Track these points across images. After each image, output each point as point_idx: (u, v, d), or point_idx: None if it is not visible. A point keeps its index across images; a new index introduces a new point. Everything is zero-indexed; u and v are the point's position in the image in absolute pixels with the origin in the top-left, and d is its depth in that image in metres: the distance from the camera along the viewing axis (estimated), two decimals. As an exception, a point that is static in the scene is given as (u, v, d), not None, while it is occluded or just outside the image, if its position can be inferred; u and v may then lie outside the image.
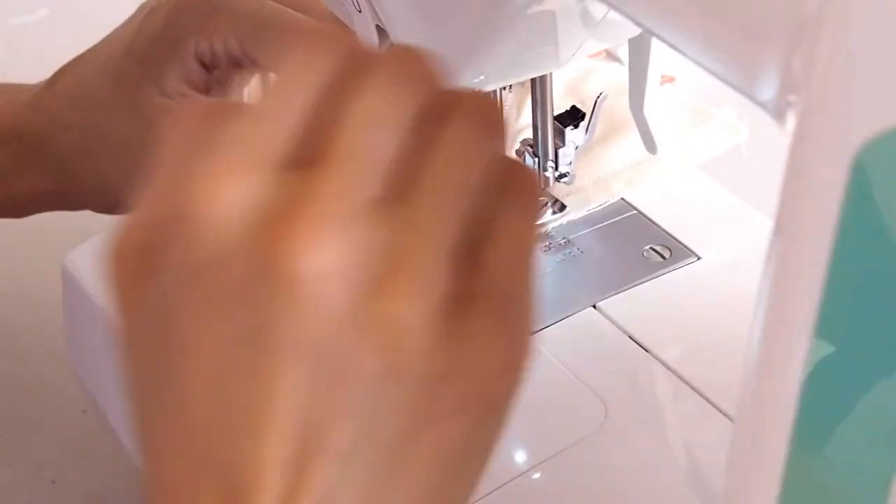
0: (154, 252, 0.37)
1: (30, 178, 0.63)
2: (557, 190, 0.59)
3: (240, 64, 0.62)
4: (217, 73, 0.62)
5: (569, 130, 0.57)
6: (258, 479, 0.35)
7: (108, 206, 0.63)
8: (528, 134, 0.58)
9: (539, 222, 0.39)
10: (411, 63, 0.36)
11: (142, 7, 0.64)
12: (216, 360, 0.36)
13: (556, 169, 0.58)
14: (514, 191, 0.37)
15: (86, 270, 0.59)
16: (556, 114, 0.57)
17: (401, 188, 0.35)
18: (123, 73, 0.61)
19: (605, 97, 0.56)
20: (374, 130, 0.35)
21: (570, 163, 0.58)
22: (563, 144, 0.57)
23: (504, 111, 0.45)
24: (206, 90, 0.63)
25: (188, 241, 0.35)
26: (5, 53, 0.86)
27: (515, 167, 0.37)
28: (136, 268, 0.38)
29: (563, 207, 0.59)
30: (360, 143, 0.34)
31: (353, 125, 0.34)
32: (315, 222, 0.33)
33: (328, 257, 0.33)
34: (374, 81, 0.35)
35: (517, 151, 0.59)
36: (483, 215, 0.36)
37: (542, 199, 0.41)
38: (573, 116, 0.57)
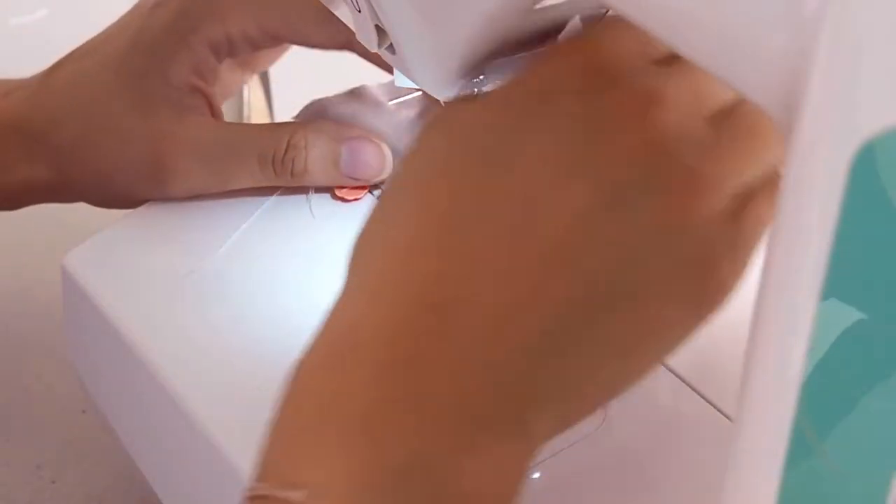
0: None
1: (26, 169, 0.62)
2: None
3: (258, 46, 0.62)
4: (228, 61, 0.63)
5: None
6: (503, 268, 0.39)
7: (105, 199, 0.63)
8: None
9: None
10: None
11: (139, 4, 0.63)
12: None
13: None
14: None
15: (86, 270, 0.59)
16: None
17: None
18: (128, 66, 0.61)
19: None
20: None
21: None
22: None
23: None
24: (215, 79, 0.62)
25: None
26: (5, 53, 0.86)
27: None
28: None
29: None
30: None
31: None
32: (671, 101, 0.40)
33: (664, 123, 0.40)
34: None
35: None
36: None
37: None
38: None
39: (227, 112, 0.79)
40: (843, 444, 0.35)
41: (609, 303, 0.40)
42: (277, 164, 0.60)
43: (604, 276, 0.40)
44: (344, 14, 0.52)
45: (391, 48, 0.52)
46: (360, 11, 0.51)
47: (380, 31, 0.51)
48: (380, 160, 0.61)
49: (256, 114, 0.79)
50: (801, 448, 0.34)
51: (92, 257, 0.60)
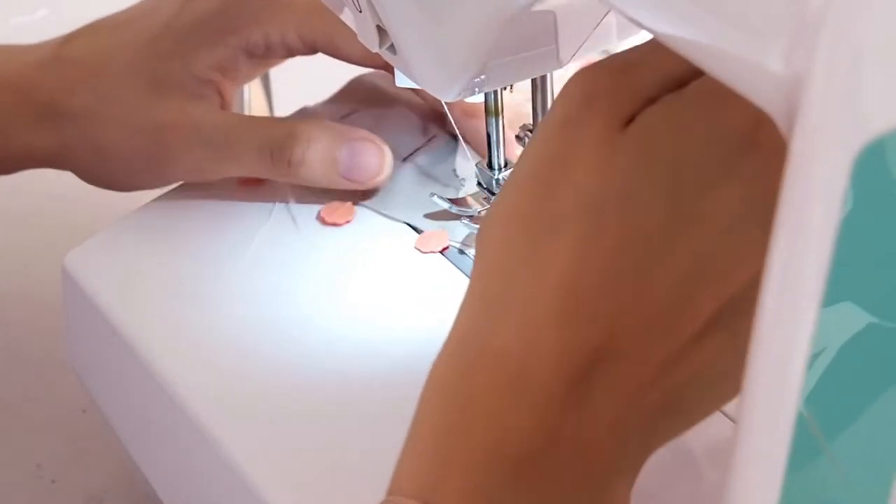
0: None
1: (29, 134, 0.62)
2: None
3: (293, 53, 0.62)
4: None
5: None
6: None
7: (99, 176, 0.63)
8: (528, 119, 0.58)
9: None
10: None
11: None
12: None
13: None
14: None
15: (86, 270, 0.59)
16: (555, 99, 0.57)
17: None
18: (152, 47, 0.60)
19: None
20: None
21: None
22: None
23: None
24: (235, 76, 0.62)
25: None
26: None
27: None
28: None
29: None
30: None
31: None
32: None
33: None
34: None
35: (517, 136, 0.59)
36: None
37: None
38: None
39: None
40: (844, 444, 0.35)
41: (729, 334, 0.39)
42: (276, 153, 0.59)
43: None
44: (348, 17, 0.52)
45: (392, 48, 0.52)
46: (361, 11, 0.51)
47: (381, 31, 0.51)
48: (379, 163, 0.61)
49: (256, 114, 0.79)
50: (802, 448, 0.34)
51: (92, 257, 0.60)
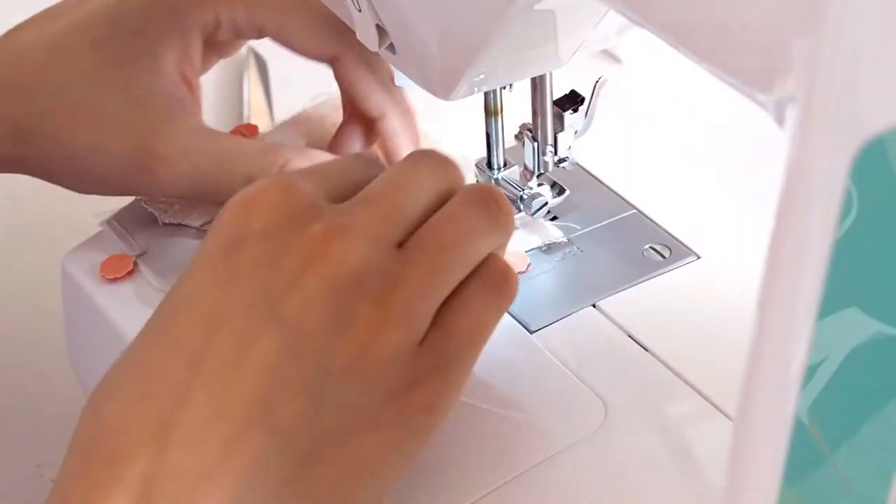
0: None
1: None
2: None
3: (241, 36, 0.60)
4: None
5: (568, 115, 0.57)
6: (199, 428, 0.40)
7: (78, 185, 0.60)
8: (527, 118, 0.58)
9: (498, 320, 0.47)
10: (495, 199, 0.47)
11: None
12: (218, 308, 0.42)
13: (556, 153, 0.58)
14: (492, 285, 0.46)
15: (86, 270, 0.59)
16: (554, 98, 0.57)
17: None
18: (109, 42, 0.57)
19: (605, 81, 0.56)
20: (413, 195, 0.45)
21: (570, 147, 0.58)
22: (563, 129, 0.57)
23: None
24: (198, 65, 0.60)
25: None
26: (5, 53, 0.85)
27: (503, 268, 0.46)
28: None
29: (562, 191, 0.59)
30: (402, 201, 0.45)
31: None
32: (349, 234, 0.43)
33: (347, 257, 0.42)
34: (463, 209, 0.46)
35: (516, 136, 0.59)
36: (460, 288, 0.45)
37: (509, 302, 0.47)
38: (572, 101, 0.57)
39: (227, 112, 0.79)
40: (843, 444, 0.35)
41: (310, 451, 0.41)
42: None
43: (299, 425, 0.41)
44: (346, 15, 0.52)
45: (392, 48, 0.52)
46: (360, 11, 0.51)
47: (380, 30, 0.51)
48: None
49: (256, 114, 0.79)
50: (801, 447, 0.34)
51: (92, 257, 0.59)
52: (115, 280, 0.58)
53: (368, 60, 0.58)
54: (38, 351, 0.72)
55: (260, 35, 0.59)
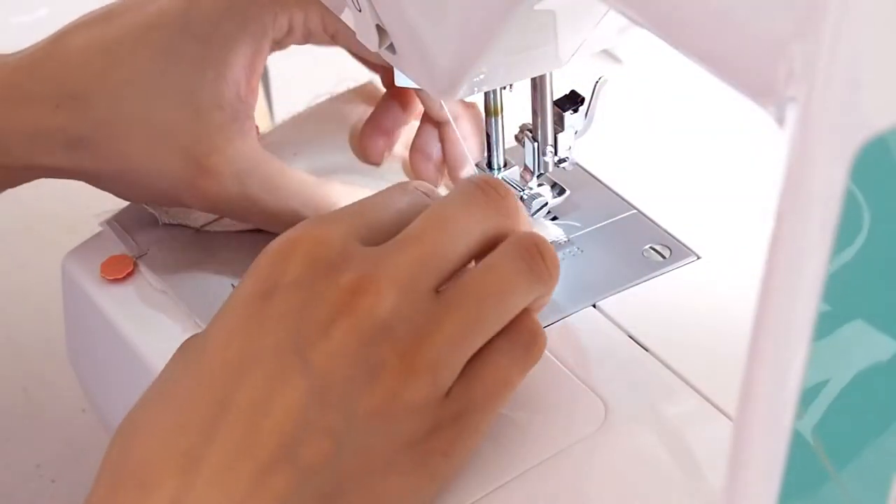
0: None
1: (45, 157, 0.55)
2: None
3: (312, 41, 0.57)
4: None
5: (568, 115, 0.57)
6: (225, 463, 0.41)
7: (131, 195, 0.58)
8: (527, 118, 0.58)
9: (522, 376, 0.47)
10: (540, 253, 0.46)
11: None
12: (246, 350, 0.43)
13: (556, 154, 0.58)
14: (521, 343, 0.46)
15: (86, 270, 0.59)
16: (555, 98, 0.57)
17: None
18: (174, 49, 0.54)
19: (605, 81, 0.56)
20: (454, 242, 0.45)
21: (570, 147, 0.58)
22: (563, 129, 0.57)
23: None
24: (261, 73, 0.56)
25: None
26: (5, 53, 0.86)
27: (534, 327, 0.46)
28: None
29: (562, 192, 0.59)
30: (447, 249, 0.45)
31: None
32: (378, 285, 0.43)
33: (375, 309, 0.43)
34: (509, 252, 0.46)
35: (516, 137, 0.59)
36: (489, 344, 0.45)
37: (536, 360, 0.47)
38: (572, 101, 0.57)
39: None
40: (843, 443, 0.35)
41: (332, 490, 0.42)
42: None
43: (322, 465, 0.42)
44: (348, 16, 0.52)
45: (392, 48, 0.52)
46: (360, 11, 0.50)
47: (380, 30, 0.51)
48: None
49: (256, 114, 0.79)
50: (800, 447, 0.34)
51: (92, 257, 0.60)
52: (115, 281, 0.58)
53: None
54: (38, 351, 0.72)
55: (331, 42, 0.57)
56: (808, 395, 0.33)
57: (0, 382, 0.71)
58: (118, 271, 0.58)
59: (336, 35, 0.57)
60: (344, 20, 0.53)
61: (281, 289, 0.44)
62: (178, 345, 0.55)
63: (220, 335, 0.44)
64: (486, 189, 0.47)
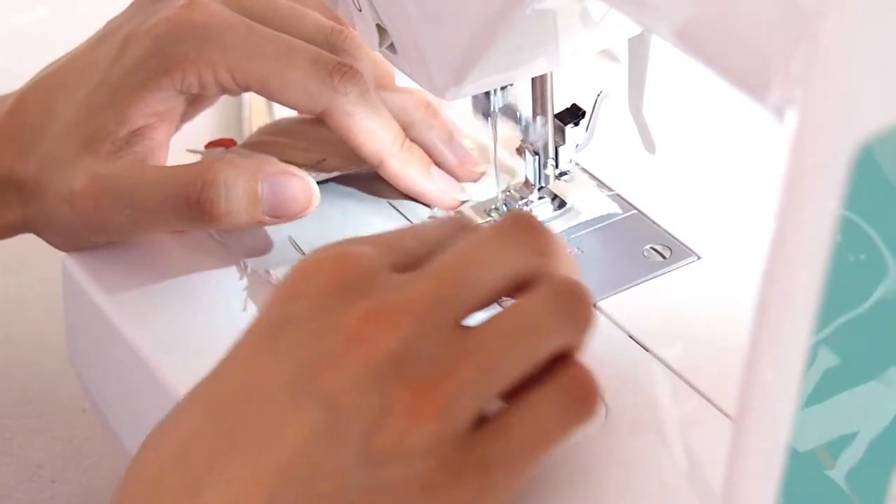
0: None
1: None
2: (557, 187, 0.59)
3: (228, 93, 0.60)
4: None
5: (569, 128, 0.57)
6: (231, 495, 0.41)
7: (59, 244, 0.60)
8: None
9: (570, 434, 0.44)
10: (575, 298, 0.44)
11: (107, 29, 0.61)
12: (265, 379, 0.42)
13: (557, 167, 0.58)
14: (571, 396, 0.43)
15: (86, 270, 0.59)
16: (556, 112, 0.57)
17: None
18: (90, 100, 0.58)
19: (606, 95, 0.56)
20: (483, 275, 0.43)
21: (571, 161, 0.58)
22: (564, 142, 0.57)
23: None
24: (175, 119, 0.59)
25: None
26: (5, 53, 0.86)
27: (589, 386, 0.44)
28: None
29: (562, 204, 0.59)
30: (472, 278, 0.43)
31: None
32: (397, 315, 0.41)
33: (390, 341, 0.41)
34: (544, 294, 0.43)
35: (518, 149, 0.59)
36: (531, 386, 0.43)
37: (589, 414, 0.43)
38: (573, 114, 0.57)
39: (227, 112, 0.79)
40: (843, 442, 0.35)
41: None
42: (193, 206, 0.55)
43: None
44: (342, 10, 0.52)
45: (392, 47, 0.52)
46: (360, 10, 0.51)
47: (381, 30, 0.51)
48: (305, 195, 0.57)
49: (256, 114, 0.79)
50: (800, 447, 0.34)
51: (92, 257, 0.60)
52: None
53: (360, 107, 0.57)
54: (38, 351, 0.72)
55: (247, 90, 0.59)
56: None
57: (0, 382, 0.71)
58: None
59: (250, 87, 0.58)
60: (344, 19, 0.54)
61: (297, 314, 0.43)
62: (178, 345, 0.55)
63: (232, 363, 0.44)
64: (522, 224, 0.45)
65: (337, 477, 0.41)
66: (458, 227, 0.47)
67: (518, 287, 0.44)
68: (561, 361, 0.43)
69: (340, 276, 0.43)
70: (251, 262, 0.58)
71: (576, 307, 0.44)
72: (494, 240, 0.44)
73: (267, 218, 0.56)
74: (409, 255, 0.45)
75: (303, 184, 0.57)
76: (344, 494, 0.41)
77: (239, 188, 0.56)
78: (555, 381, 0.43)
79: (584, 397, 0.43)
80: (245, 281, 0.58)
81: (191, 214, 0.56)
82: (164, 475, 0.42)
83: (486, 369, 0.42)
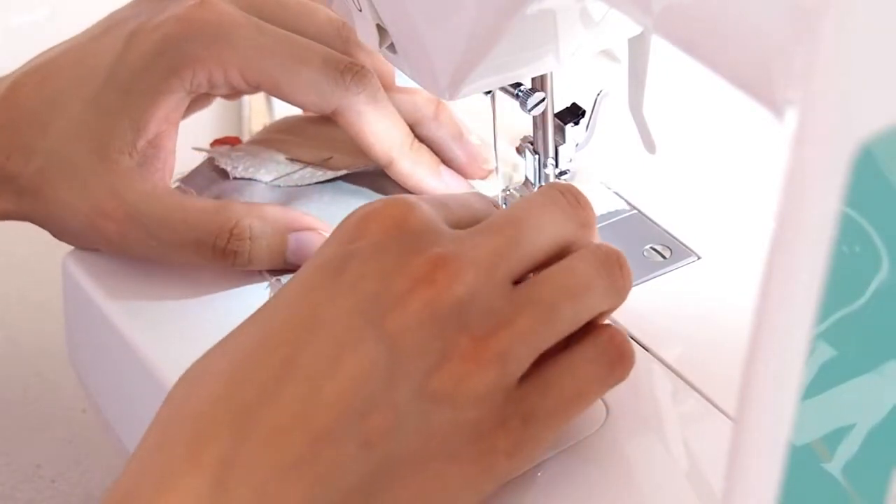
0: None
1: None
2: None
3: (237, 92, 0.60)
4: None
5: (569, 128, 0.57)
6: (282, 425, 0.40)
7: (62, 238, 0.60)
8: (529, 131, 0.58)
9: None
10: (619, 266, 0.46)
11: (111, 22, 0.60)
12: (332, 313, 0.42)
13: (557, 166, 0.58)
14: (608, 358, 0.45)
15: (86, 270, 0.59)
16: (556, 111, 0.57)
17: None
18: (98, 100, 0.57)
19: (606, 95, 0.56)
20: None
21: (571, 160, 0.58)
22: (564, 142, 0.57)
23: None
24: (180, 119, 0.59)
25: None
26: (5, 53, 0.86)
27: (625, 347, 0.47)
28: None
29: None
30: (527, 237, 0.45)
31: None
32: (461, 263, 0.43)
33: (455, 286, 0.42)
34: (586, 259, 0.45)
35: (517, 149, 0.59)
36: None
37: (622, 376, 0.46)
38: (573, 114, 0.57)
39: (228, 112, 0.79)
40: (843, 441, 0.35)
41: (387, 469, 0.41)
42: (218, 253, 0.56)
43: (381, 440, 0.41)
44: (348, 15, 0.52)
45: (392, 47, 0.52)
46: (360, 10, 0.51)
47: (381, 30, 0.51)
48: None
49: (256, 114, 0.79)
50: (800, 446, 0.34)
51: (92, 257, 0.60)
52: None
53: (371, 107, 0.58)
54: (38, 351, 0.72)
55: (256, 91, 0.59)
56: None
57: (0, 382, 0.71)
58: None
59: (260, 86, 0.58)
60: (344, 18, 0.53)
61: (362, 251, 0.43)
62: (179, 345, 0.55)
63: (293, 293, 0.44)
64: (567, 196, 0.47)
65: (390, 413, 0.41)
66: (493, 202, 0.49)
67: (560, 253, 0.46)
68: (593, 324, 0.46)
69: (404, 221, 0.44)
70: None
71: (619, 274, 0.46)
72: (545, 207, 0.46)
73: (292, 265, 0.57)
74: (458, 219, 0.46)
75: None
76: (395, 432, 0.41)
77: (264, 241, 0.57)
78: (592, 341, 0.45)
79: (620, 358, 0.46)
80: (247, 282, 0.58)
81: (213, 258, 0.57)
82: (215, 402, 0.42)
83: (541, 322, 0.44)
